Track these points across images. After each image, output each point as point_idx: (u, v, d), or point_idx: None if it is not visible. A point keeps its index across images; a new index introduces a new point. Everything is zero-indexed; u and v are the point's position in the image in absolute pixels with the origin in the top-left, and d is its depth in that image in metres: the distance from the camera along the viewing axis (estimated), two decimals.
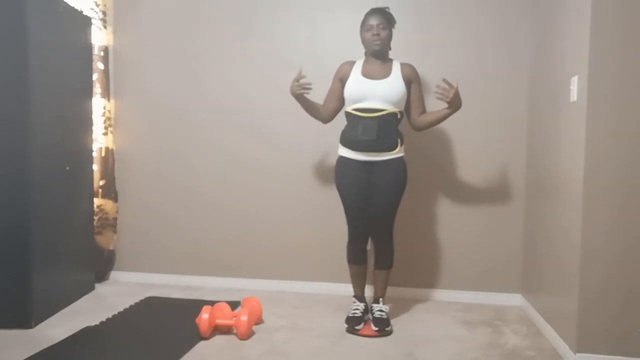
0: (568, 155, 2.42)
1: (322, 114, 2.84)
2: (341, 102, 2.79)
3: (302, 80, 2.63)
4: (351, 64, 2.77)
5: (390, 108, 2.63)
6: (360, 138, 2.64)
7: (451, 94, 2.52)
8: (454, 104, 2.57)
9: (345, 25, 3.21)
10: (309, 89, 2.65)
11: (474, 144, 3.22)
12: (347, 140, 2.71)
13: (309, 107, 2.78)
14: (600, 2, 2.16)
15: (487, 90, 3.20)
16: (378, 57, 2.72)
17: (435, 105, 3.20)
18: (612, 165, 2.19)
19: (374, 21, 2.66)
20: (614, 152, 2.19)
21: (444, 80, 2.53)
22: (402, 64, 2.74)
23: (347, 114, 2.73)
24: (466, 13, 3.19)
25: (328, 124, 2.90)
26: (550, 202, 2.69)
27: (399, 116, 2.69)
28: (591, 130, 2.20)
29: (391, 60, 2.76)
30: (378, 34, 2.65)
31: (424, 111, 2.78)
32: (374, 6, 2.79)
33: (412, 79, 2.72)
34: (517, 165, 3.19)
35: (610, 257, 2.21)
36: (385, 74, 2.68)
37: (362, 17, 2.73)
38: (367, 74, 2.69)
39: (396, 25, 2.77)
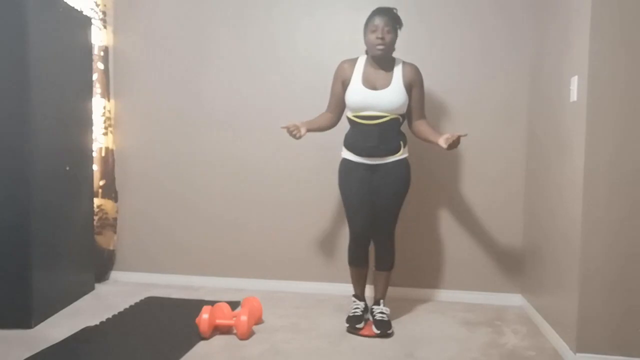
0: (568, 155, 2.42)
1: (329, 124, 2.78)
2: (344, 107, 2.75)
3: (292, 131, 2.52)
4: (352, 64, 2.69)
5: (391, 114, 2.61)
6: (361, 144, 2.63)
7: (456, 143, 2.42)
8: (451, 148, 2.45)
9: (346, 25, 3.22)
10: (298, 133, 2.54)
11: (474, 144, 3.21)
12: (349, 144, 2.70)
13: (316, 130, 2.72)
14: (600, 2, 2.16)
15: (487, 90, 3.20)
16: (380, 60, 2.65)
17: (432, 105, 3.21)
18: (612, 165, 2.19)
19: (380, 22, 2.55)
20: (614, 152, 2.19)
21: (459, 135, 2.41)
22: (404, 65, 2.66)
23: (349, 119, 2.71)
24: (466, 13, 3.19)
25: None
26: (550, 203, 2.69)
27: (400, 120, 2.67)
28: (591, 130, 2.20)
29: (394, 60, 2.68)
30: (383, 38, 2.55)
31: (422, 115, 2.72)
32: (380, 5, 2.68)
33: (413, 84, 2.65)
34: (517, 165, 3.19)
35: (610, 258, 2.21)
36: (387, 82, 2.61)
37: (363, 17, 2.66)
38: (368, 82, 2.62)
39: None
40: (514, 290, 3.23)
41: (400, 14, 2.66)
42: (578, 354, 2.25)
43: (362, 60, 2.71)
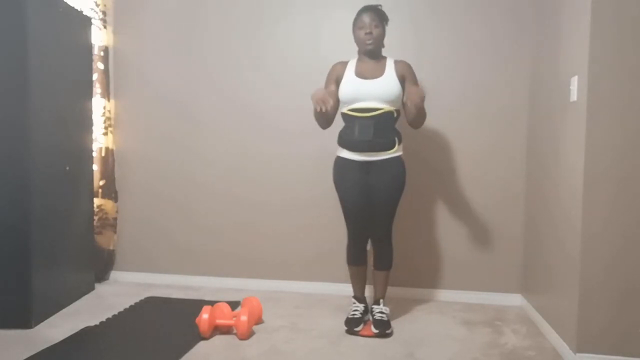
0: (568, 155, 2.42)
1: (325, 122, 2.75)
2: (338, 104, 2.75)
3: (326, 100, 2.46)
4: (344, 64, 2.75)
5: (386, 107, 2.61)
6: (356, 138, 2.63)
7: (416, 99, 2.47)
8: (414, 102, 2.48)
9: (347, 24, 3.21)
10: (327, 107, 2.48)
11: (474, 144, 3.22)
12: (344, 141, 2.70)
13: (323, 114, 2.61)
14: (600, 2, 2.16)
15: (487, 90, 3.19)
16: (371, 56, 2.70)
17: (432, 105, 3.21)
18: (612, 165, 2.19)
19: (366, 19, 2.63)
20: (614, 152, 2.19)
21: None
22: (396, 61, 2.71)
23: (343, 114, 2.71)
24: (466, 13, 3.19)
25: None
26: (550, 202, 2.69)
27: (395, 115, 2.67)
28: (591, 130, 2.20)
29: (385, 58, 2.73)
30: (371, 33, 2.62)
31: None
32: (366, 4, 2.73)
33: (405, 75, 2.68)
34: (517, 165, 3.19)
35: (611, 258, 2.21)
36: (379, 73, 2.65)
37: None
38: (360, 73, 2.67)
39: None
40: (514, 290, 3.22)
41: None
42: (578, 354, 2.25)
43: (353, 60, 2.76)
